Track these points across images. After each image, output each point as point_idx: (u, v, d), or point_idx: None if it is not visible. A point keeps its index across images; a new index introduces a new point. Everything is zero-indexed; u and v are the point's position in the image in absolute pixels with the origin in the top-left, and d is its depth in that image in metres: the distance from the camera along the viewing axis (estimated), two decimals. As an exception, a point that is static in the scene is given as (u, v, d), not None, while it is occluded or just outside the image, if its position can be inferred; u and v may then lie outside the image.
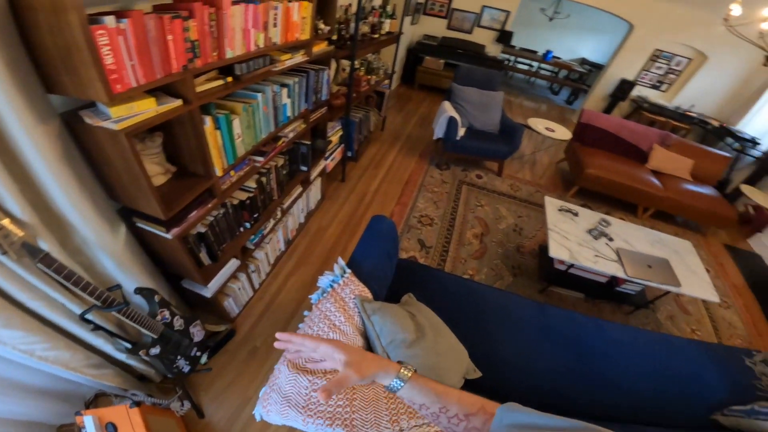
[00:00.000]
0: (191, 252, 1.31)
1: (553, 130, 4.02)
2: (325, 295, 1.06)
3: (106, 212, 1.09)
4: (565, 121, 6.22)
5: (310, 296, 1.14)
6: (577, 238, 2.29)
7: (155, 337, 1.16)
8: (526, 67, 7.63)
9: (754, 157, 4.45)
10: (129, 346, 1.12)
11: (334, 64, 2.42)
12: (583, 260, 2.12)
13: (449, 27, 5.96)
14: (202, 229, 1.32)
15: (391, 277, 1.44)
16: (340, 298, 1.04)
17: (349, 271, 1.14)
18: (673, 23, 5.18)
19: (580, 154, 3.79)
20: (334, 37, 2.02)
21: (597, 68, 6.83)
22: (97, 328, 1.08)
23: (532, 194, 3.68)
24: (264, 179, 1.69)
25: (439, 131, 3.55)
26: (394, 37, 3.44)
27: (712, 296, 2.13)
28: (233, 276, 1.68)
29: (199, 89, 1.10)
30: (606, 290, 2.52)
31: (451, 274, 1.85)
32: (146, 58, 0.86)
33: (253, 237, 1.76)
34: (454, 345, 1.22)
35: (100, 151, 0.93)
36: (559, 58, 7.33)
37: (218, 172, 1.29)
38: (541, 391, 1.41)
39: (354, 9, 2.54)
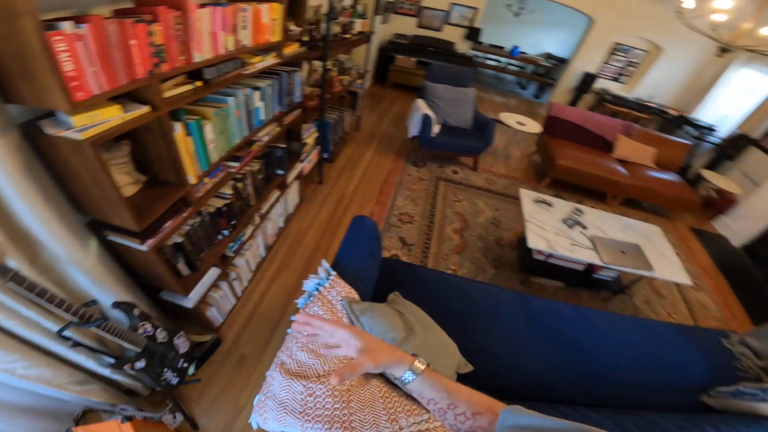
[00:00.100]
0: (168, 263, 1.26)
1: (523, 124, 4.14)
2: (311, 298, 1.05)
3: (75, 226, 1.04)
4: (534, 114, 6.40)
5: (296, 301, 1.12)
6: (553, 228, 2.36)
7: (139, 350, 1.14)
8: (494, 63, 7.79)
9: (713, 143, 4.73)
10: (112, 361, 1.09)
11: (306, 66, 2.39)
12: (561, 249, 2.19)
13: (419, 25, 6.02)
14: (179, 239, 1.27)
15: (375, 276, 1.45)
16: (327, 301, 1.03)
17: (334, 273, 1.13)
18: (629, 17, 5.43)
19: (551, 147, 3.91)
20: (306, 38, 1.99)
21: (561, 62, 7.05)
22: (76, 344, 1.04)
23: (508, 187, 3.77)
24: (240, 185, 1.66)
25: (414, 129, 3.58)
26: (365, 37, 3.44)
27: (684, 279, 2.23)
28: (214, 285, 1.64)
29: (167, 95, 1.07)
30: (584, 278, 2.61)
31: (435, 270, 1.87)
32: (108, 63, 0.83)
33: (232, 244, 1.72)
34: (444, 341, 1.24)
35: (64, 163, 0.88)
36: (525, 53, 7.53)
37: (192, 180, 1.25)
38: (530, 380, 1.44)
39: (324, 9, 2.52)
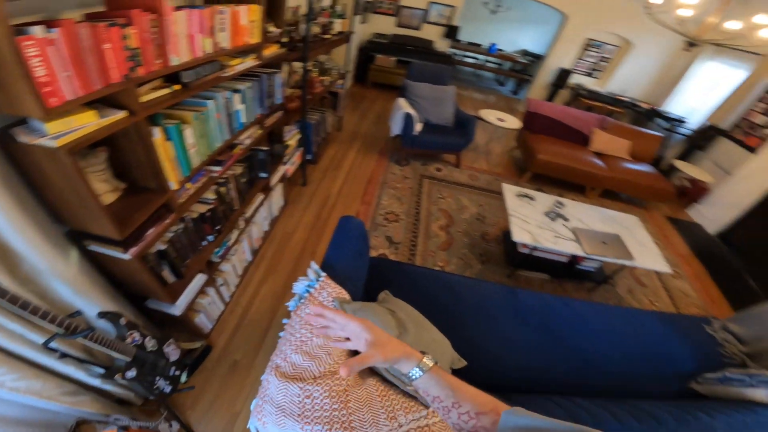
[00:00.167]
0: (153, 271, 1.23)
1: (503, 120, 4.22)
2: (302, 301, 1.04)
3: (54, 237, 1.01)
4: (513, 110, 6.52)
5: (286, 304, 1.11)
6: (536, 221, 2.41)
7: (129, 359, 1.12)
8: (473, 61, 7.90)
9: (683, 134, 4.93)
10: (101, 371, 1.07)
11: (286, 67, 2.37)
12: (545, 242, 2.24)
13: (399, 24, 6.05)
14: (163, 247, 1.24)
15: (365, 276, 1.45)
16: (318, 303, 1.03)
17: (323, 274, 1.13)
18: (601, 12, 5.59)
19: (530, 142, 4.00)
20: (285, 40, 1.97)
21: (538, 59, 7.21)
22: (64, 355, 1.03)
23: (491, 182, 3.83)
24: (223, 189, 1.63)
25: (396, 128, 3.59)
26: (345, 37, 3.43)
27: (664, 267, 2.31)
28: (201, 291, 1.61)
29: (144, 99, 1.04)
30: (568, 269, 2.67)
31: (423, 267, 1.89)
32: (82, 68, 0.80)
33: (217, 250, 1.69)
34: (437, 337, 1.25)
35: (39, 172, 0.85)
36: (502, 50, 7.66)
37: (174, 186, 1.22)
38: (522, 373, 1.46)
39: (302, 10, 2.50)
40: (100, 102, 0.91)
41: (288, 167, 2.58)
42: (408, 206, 3.14)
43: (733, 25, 2.84)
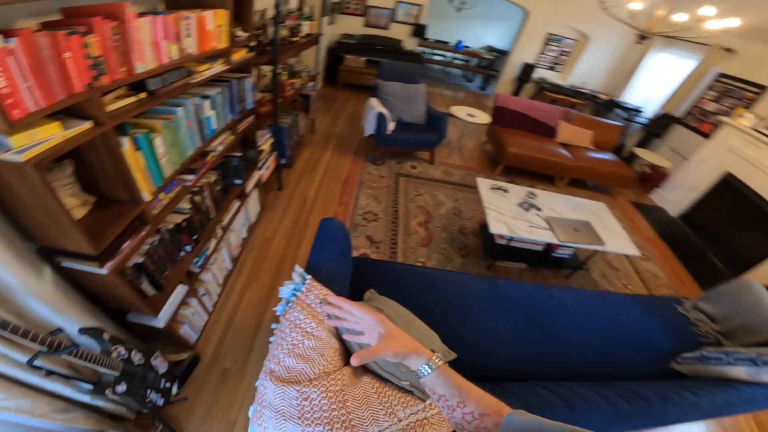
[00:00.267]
0: (132, 284, 1.20)
1: (473, 116, 4.31)
2: (290, 304, 1.04)
3: (25, 255, 0.97)
4: (482, 106, 6.68)
5: (274, 309, 1.11)
6: (511, 212, 2.49)
7: (117, 374, 1.11)
8: (441, 58, 8.03)
9: (641, 123, 5.21)
10: (89, 387, 1.06)
11: (255, 71, 2.33)
12: (520, 232, 2.31)
13: (367, 24, 6.05)
14: (140, 259, 1.21)
15: (349, 276, 1.46)
16: (306, 305, 1.03)
17: (309, 276, 1.13)
18: (559, 7, 5.81)
19: (500, 136, 4.11)
20: (253, 44, 1.95)
21: (502, 54, 7.41)
22: (50, 373, 1.01)
23: (464, 177, 3.91)
24: (198, 198, 1.60)
25: (369, 128, 3.61)
26: (314, 39, 3.41)
27: (633, 250, 2.44)
28: (183, 302, 1.58)
29: (110, 108, 1.01)
30: (544, 258, 2.77)
31: (405, 264, 1.92)
32: (44, 78, 0.77)
33: (196, 260, 1.65)
34: (425, 331, 1.28)
35: (4, 188, 0.81)
36: (469, 47, 7.84)
37: (147, 197, 1.19)
38: (509, 362, 1.50)
39: (269, 14, 2.47)
40: (65, 113, 0.88)
41: (263, 172, 2.55)
42: (386, 205, 3.16)
43: (680, 17, 3.03)
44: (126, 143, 1.07)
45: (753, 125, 3.52)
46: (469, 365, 1.37)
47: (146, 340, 1.52)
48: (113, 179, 1.09)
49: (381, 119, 3.43)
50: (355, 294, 1.45)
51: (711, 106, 4.30)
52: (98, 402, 1.24)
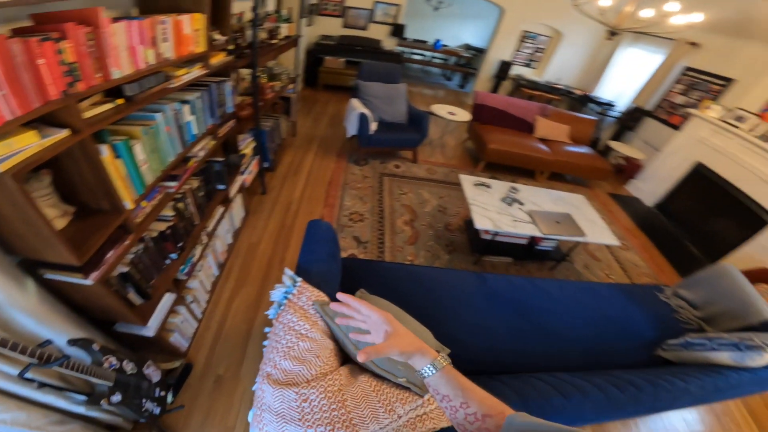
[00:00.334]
0: (118, 294, 1.17)
1: (454, 114, 4.37)
2: (282, 307, 1.04)
3: (7, 268, 0.94)
4: (462, 104, 6.77)
5: (266, 312, 1.11)
6: (494, 207, 2.54)
7: (111, 384, 1.09)
8: (420, 58, 8.10)
9: (614, 117, 5.38)
10: (82, 398, 1.05)
11: (234, 75, 2.31)
12: (505, 226, 2.36)
13: (345, 25, 6.04)
14: (125, 269, 1.18)
15: (339, 277, 1.46)
16: (299, 308, 1.03)
17: (300, 279, 1.13)
18: (533, 5, 5.94)
19: (481, 132, 4.18)
20: (232, 47, 1.93)
21: (480, 52, 7.52)
22: (43, 385, 0.99)
23: (448, 174, 3.96)
24: (181, 205, 1.57)
25: (352, 129, 3.61)
26: (293, 41, 3.39)
27: (613, 240, 2.52)
28: (172, 310, 1.55)
29: (87, 115, 0.99)
30: (528, 251, 2.83)
31: (393, 263, 1.93)
32: (18, 86, 0.75)
33: (182, 267, 1.62)
34: (418, 328, 1.29)
35: (-19, 200, 0.78)
36: (447, 45, 7.93)
37: (129, 205, 1.16)
38: (499, 355, 1.52)
39: (247, 17, 2.45)
40: (41, 121, 0.86)
41: (246, 177, 2.52)
42: (371, 205, 3.17)
43: (647, 13, 3.15)
44: (105, 151, 1.05)
45: (720, 116, 3.69)
46: (461, 359, 1.39)
47: (136, 349, 1.50)
48: (93, 188, 1.06)
49: (363, 120, 3.44)
50: (345, 294, 1.45)
51: (679, 99, 4.48)
52: (94, 413, 1.23)
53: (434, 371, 0.60)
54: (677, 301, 2.00)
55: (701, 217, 3.73)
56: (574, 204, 2.84)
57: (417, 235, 2.90)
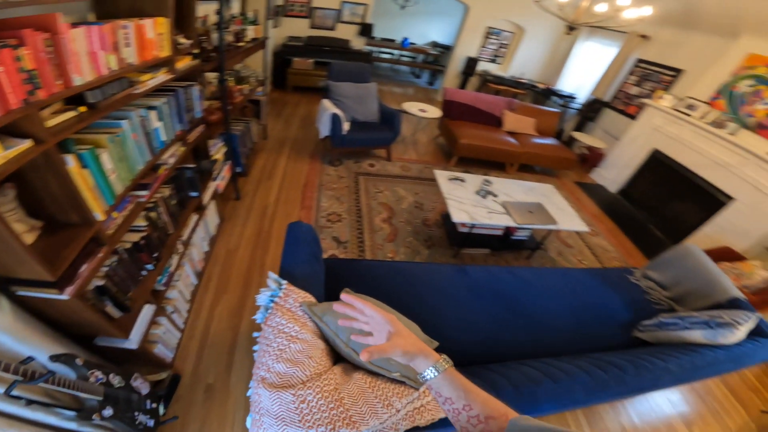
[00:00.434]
0: (95, 308, 1.13)
1: (425, 111, 4.44)
2: (269, 311, 1.03)
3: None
4: (431, 100, 6.87)
5: (253, 317, 1.10)
6: (469, 200, 2.61)
7: (100, 398, 1.07)
8: (389, 56, 8.15)
9: (575, 109, 5.63)
10: (71, 414, 1.02)
11: (201, 79, 2.25)
12: (481, 218, 2.43)
13: (312, 26, 5.98)
14: (100, 282, 1.14)
15: (323, 277, 1.47)
16: (286, 310, 1.03)
17: (285, 282, 1.13)
18: (496, 2, 6.10)
19: (452, 128, 4.27)
20: (197, 51, 1.88)
21: (447, 49, 7.65)
22: (31, 402, 0.96)
23: (422, 171, 4.02)
24: (153, 214, 1.52)
25: (324, 129, 3.60)
26: (260, 43, 3.33)
27: (582, 227, 2.64)
28: (153, 322, 1.51)
29: (49, 124, 0.95)
30: (504, 241, 2.92)
31: (375, 260, 1.95)
32: (-24, 97, 0.72)
33: (160, 278, 1.58)
34: (406, 323, 1.31)
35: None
36: (414, 43, 8.01)
37: (99, 217, 1.13)
38: (484, 344, 1.55)
39: (212, 20, 2.39)
40: (2, 132, 0.82)
41: (218, 183, 2.47)
42: (348, 205, 3.18)
43: (601, 7, 3.32)
44: (71, 161, 1.01)
45: (672, 105, 3.93)
46: (448, 352, 1.43)
47: (120, 363, 1.46)
48: (61, 201, 1.02)
49: (336, 120, 3.43)
50: (330, 295, 1.46)
51: (634, 90, 4.75)
52: (86, 429, 1.19)
53: (437, 373, 0.60)
54: (647, 282, 2.08)
55: (662, 200, 3.95)
56: (544, 194, 2.95)
57: (396, 232, 2.93)
